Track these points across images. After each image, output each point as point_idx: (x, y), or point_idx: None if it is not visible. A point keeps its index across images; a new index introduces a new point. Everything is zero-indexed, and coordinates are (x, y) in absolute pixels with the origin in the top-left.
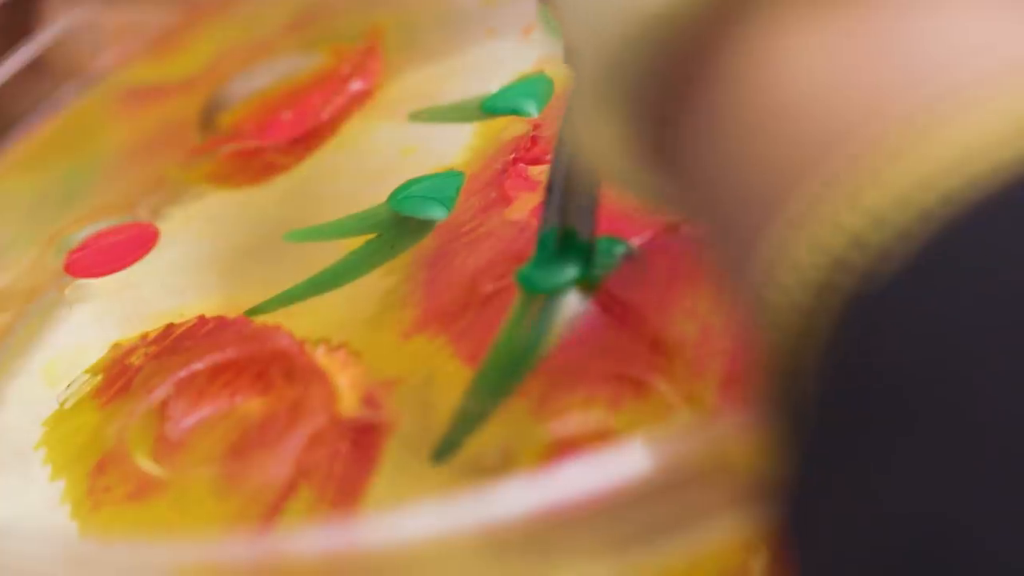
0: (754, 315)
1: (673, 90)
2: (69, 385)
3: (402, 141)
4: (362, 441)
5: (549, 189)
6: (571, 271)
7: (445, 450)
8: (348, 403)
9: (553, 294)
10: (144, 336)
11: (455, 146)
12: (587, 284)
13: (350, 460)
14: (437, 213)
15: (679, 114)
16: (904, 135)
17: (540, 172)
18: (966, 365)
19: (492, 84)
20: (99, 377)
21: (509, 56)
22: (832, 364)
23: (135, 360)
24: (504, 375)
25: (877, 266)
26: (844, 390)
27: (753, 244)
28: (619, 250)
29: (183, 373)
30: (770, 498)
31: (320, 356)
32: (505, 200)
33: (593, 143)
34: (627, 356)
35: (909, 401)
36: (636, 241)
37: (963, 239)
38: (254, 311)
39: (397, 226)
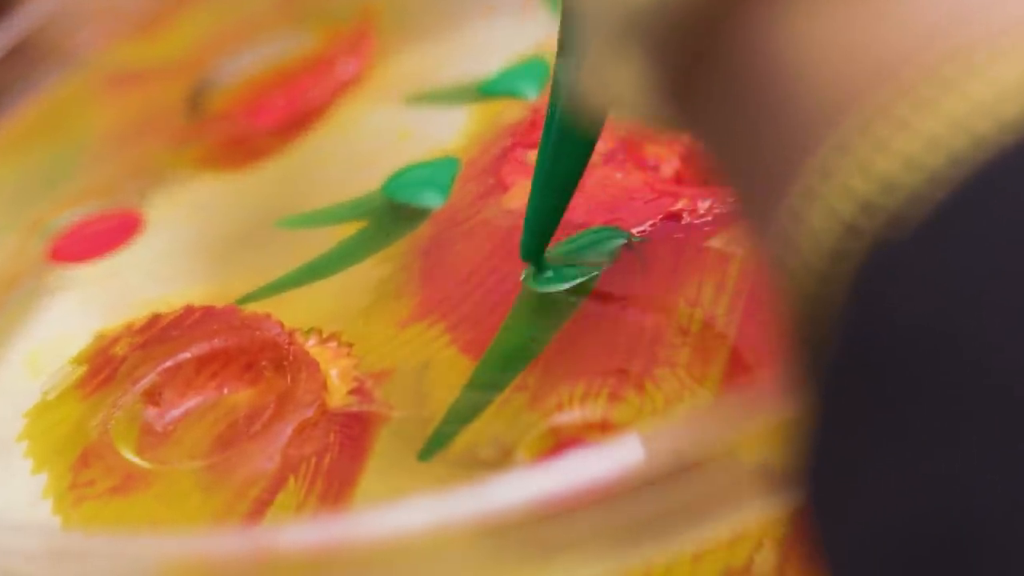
0: (776, 272)
1: (694, 46)
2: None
3: (396, 125)
4: (353, 433)
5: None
6: (574, 269)
7: (438, 442)
8: (339, 394)
9: (555, 289)
10: (129, 325)
11: (451, 130)
12: (588, 277)
13: (340, 453)
14: (432, 200)
15: (699, 71)
16: (928, 87)
17: None
18: (986, 320)
19: (490, 66)
20: (83, 367)
21: (507, 36)
22: (850, 322)
23: (120, 350)
24: (502, 367)
25: (897, 219)
26: (861, 349)
27: (779, 187)
28: (619, 240)
29: (169, 363)
30: (791, 466)
31: (311, 346)
32: (502, 187)
33: (605, 93)
34: (628, 349)
35: (926, 360)
36: (636, 231)
37: (985, 192)
38: (243, 300)
39: (391, 213)
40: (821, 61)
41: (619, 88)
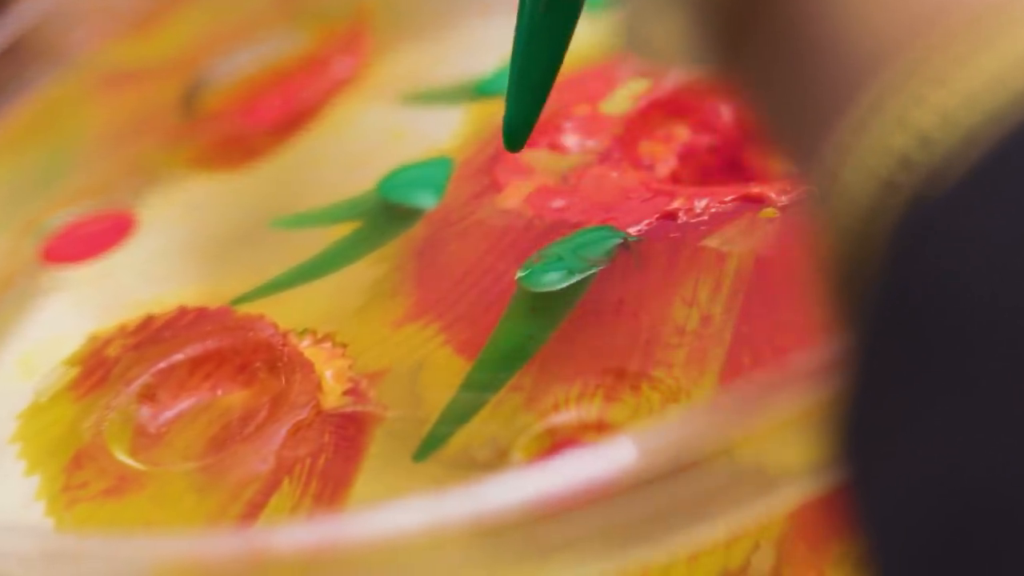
0: (818, 213)
1: None
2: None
3: (391, 125)
4: (347, 434)
5: None
6: (569, 269)
7: (434, 443)
8: (333, 395)
9: (550, 288)
10: (122, 326)
11: (445, 130)
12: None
13: (335, 454)
14: (427, 200)
15: (747, 13)
16: (966, 41)
17: (533, 157)
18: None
19: (485, 66)
20: (76, 369)
21: (503, 35)
22: (888, 278)
23: (113, 351)
24: (498, 368)
25: (935, 176)
26: (899, 307)
27: (820, 141)
28: (615, 240)
29: (163, 364)
30: (827, 427)
31: (305, 347)
32: (497, 187)
33: (652, 38)
34: (624, 349)
35: (966, 320)
36: (632, 231)
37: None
38: (237, 301)
39: (385, 213)
40: (864, 10)
41: (665, 31)
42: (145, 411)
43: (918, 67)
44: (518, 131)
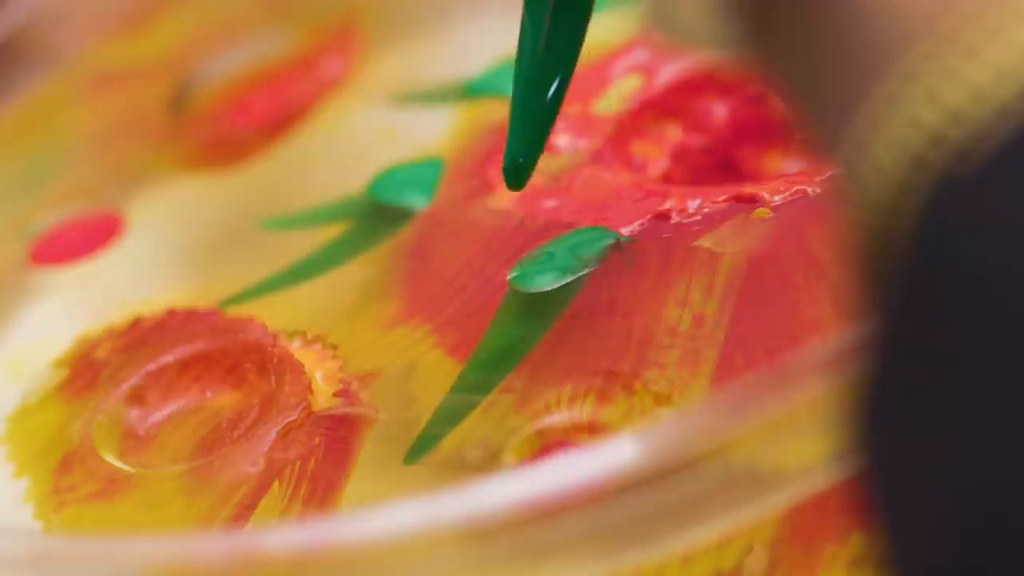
0: (846, 189)
1: None
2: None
3: (381, 125)
4: (338, 436)
5: None
6: (561, 270)
7: (425, 445)
8: (324, 396)
9: (542, 289)
10: (111, 328)
11: (436, 131)
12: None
13: (325, 456)
14: (417, 201)
15: None
16: (1006, 7)
17: None
18: None
19: (476, 65)
20: (64, 371)
21: (494, 35)
22: (918, 254)
23: (102, 353)
24: (489, 369)
25: (965, 152)
26: (929, 283)
27: (849, 115)
28: (607, 241)
29: (152, 366)
30: (844, 409)
31: (295, 348)
32: (488, 187)
33: (679, 17)
34: (616, 350)
35: (996, 298)
36: (624, 231)
37: None
38: (226, 302)
39: (376, 214)
40: None
41: (690, 9)
42: (134, 413)
43: (949, 40)
44: (521, 170)
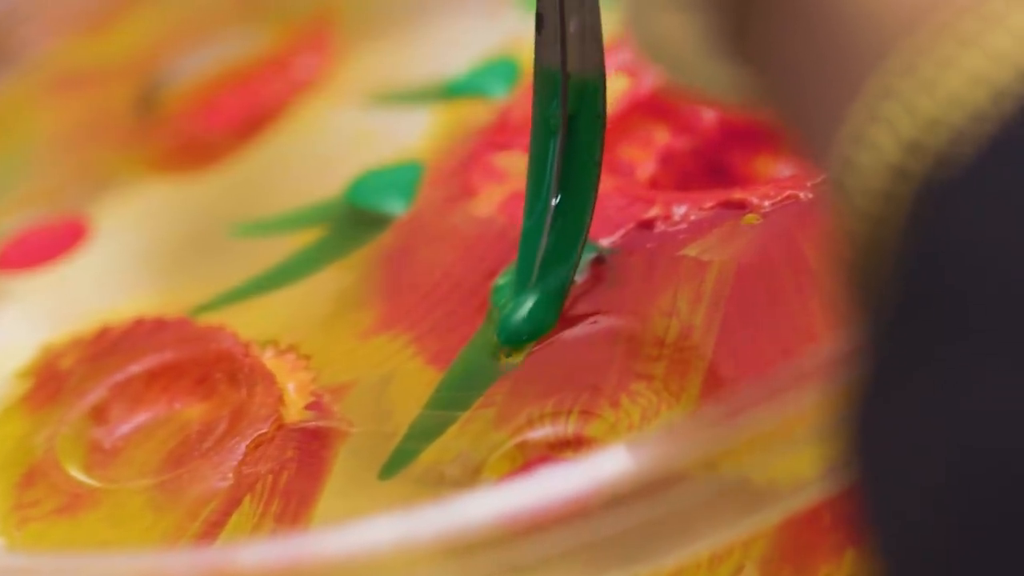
0: (834, 199)
1: None
2: None
3: (358, 127)
4: (311, 450)
5: (540, 21)
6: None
7: (401, 460)
8: (295, 408)
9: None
10: (77, 338)
11: (415, 133)
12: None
13: (298, 470)
14: (396, 206)
15: (755, 6)
16: (972, 22)
17: (507, 161)
18: None
19: (457, 65)
20: (28, 382)
21: (475, 34)
22: (905, 261)
23: (67, 363)
24: (469, 382)
25: (945, 159)
26: (917, 287)
27: (832, 128)
28: (590, 254)
29: (118, 377)
30: (836, 418)
31: (268, 359)
32: (469, 192)
33: (658, 33)
34: (602, 363)
35: (984, 299)
36: (607, 242)
37: None
38: (196, 311)
39: (352, 220)
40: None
41: (671, 33)
42: (100, 426)
43: (923, 50)
44: (522, 343)
